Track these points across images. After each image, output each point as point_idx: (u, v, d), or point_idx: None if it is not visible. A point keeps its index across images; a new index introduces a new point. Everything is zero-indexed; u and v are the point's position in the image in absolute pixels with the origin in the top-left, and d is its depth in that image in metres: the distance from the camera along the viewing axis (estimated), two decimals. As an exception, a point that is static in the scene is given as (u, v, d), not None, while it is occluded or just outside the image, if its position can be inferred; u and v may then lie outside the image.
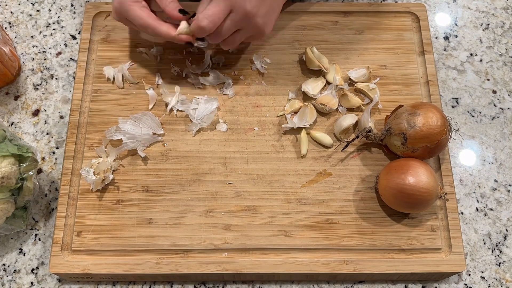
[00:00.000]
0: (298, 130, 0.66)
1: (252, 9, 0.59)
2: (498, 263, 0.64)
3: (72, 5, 0.79)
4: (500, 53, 0.76)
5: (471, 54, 0.76)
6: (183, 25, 0.61)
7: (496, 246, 0.65)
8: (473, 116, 0.72)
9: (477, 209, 0.67)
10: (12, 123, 0.71)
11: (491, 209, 0.67)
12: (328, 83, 0.69)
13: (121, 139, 0.64)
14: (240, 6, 0.58)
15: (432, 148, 0.60)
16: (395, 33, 0.73)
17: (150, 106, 0.68)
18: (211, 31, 0.59)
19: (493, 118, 0.72)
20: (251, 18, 0.60)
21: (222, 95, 0.69)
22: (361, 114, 0.67)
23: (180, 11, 0.60)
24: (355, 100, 0.67)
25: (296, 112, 0.67)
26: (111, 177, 0.63)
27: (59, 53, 0.76)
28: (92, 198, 0.63)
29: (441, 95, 0.73)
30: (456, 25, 0.79)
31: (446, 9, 0.80)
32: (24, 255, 0.64)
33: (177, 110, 0.68)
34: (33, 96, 0.73)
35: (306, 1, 0.76)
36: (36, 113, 0.72)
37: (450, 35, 0.78)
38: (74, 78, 0.74)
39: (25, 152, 0.60)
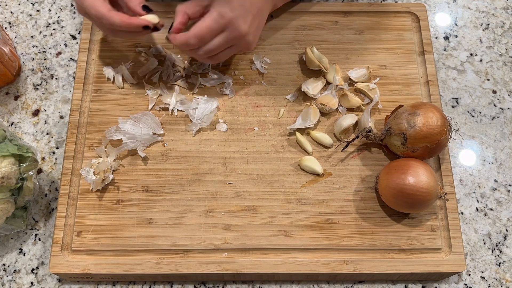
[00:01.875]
0: (300, 130, 0.66)
1: (245, 29, 0.61)
2: (498, 263, 0.64)
3: (72, 5, 0.79)
4: (500, 53, 0.76)
5: (471, 54, 0.76)
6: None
7: (496, 246, 0.65)
8: (473, 116, 0.72)
9: (477, 209, 0.67)
10: (12, 123, 0.71)
11: (491, 209, 0.67)
12: (328, 83, 0.69)
13: (121, 139, 0.64)
14: (235, 27, 0.60)
15: (432, 148, 0.60)
16: (395, 33, 0.73)
17: (150, 106, 0.68)
18: (194, 48, 0.60)
19: (493, 118, 0.72)
20: (244, 37, 0.61)
21: (222, 95, 0.69)
22: (361, 114, 0.67)
23: (144, 7, 0.59)
24: (355, 100, 0.67)
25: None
26: (111, 177, 0.63)
27: (59, 53, 0.76)
28: (92, 198, 0.63)
29: (441, 95, 0.73)
30: (456, 25, 0.79)
31: (446, 9, 0.80)
32: (24, 255, 0.64)
33: (177, 110, 0.68)
34: (33, 96, 0.73)
35: (306, 1, 0.76)
36: (36, 113, 0.72)
37: (450, 35, 0.78)
38: (74, 78, 0.74)
39: (25, 152, 0.60)
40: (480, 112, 0.72)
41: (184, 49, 0.61)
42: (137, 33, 0.61)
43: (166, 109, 0.68)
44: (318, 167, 0.64)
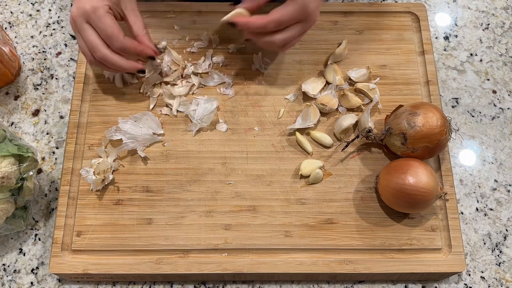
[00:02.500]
0: (300, 130, 0.66)
1: (317, 19, 0.62)
2: (498, 263, 0.64)
3: (72, 5, 0.79)
4: (500, 53, 0.76)
5: (471, 54, 0.76)
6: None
7: (496, 246, 0.65)
8: (473, 116, 0.72)
9: (477, 209, 0.67)
10: (12, 123, 0.71)
11: (491, 209, 0.67)
12: (328, 83, 0.69)
13: (121, 139, 0.64)
14: (312, 19, 0.60)
15: (432, 148, 0.60)
16: (395, 33, 0.73)
17: (151, 106, 0.68)
18: (269, 32, 0.60)
19: (493, 118, 0.72)
20: (312, 26, 0.62)
21: (222, 95, 0.69)
22: (361, 114, 0.67)
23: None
24: (355, 100, 0.67)
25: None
26: (111, 177, 0.63)
27: (59, 53, 0.76)
28: (92, 198, 0.63)
29: (441, 95, 0.73)
30: (456, 25, 0.79)
31: (446, 9, 0.80)
32: (24, 255, 0.64)
33: (177, 110, 0.68)
34: (33, 96, 0.73)
35: (306, 1, 0.76)
36: (36, 113, 0.72)
37: (450, 35, 0.78)
38: (74, 78, 0.74)
39: (25, 152, 0.60)
40: (480, 112, 0.72)
41: (258, 31, 0.60)
42: (135, 64, 0.62)
43: (169, 106, 0.68)
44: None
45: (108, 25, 0.59)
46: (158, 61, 0.66)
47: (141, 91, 0.68)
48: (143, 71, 0.63)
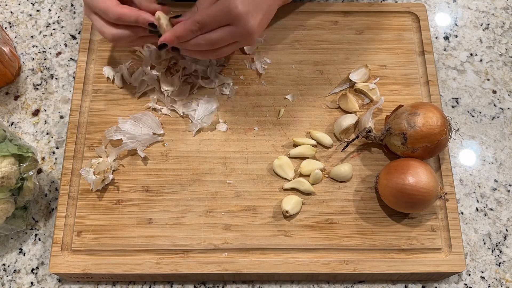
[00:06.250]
0: (299, 130, 0.66)
1: (254, 26, 0.57)
2: (498, 263, 0.64)
3: (72, 5, 0.79)
4: (500, 53, 0.76)
5: (471, 54, 0.76)
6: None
7: (496, 246, 0.65)
8: (473, 116, 0.72)
9: (477, 209, 0.67)
10: (12, 123, 0.71)
11: (491, 209, 0.67)
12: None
13: (121, 139, 0.64)
14: (243, 23, 0.56)
15: (432, 148, 0.60)
16: (395, 33, 0.73)
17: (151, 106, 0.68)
18: (193, 36, 0.57)
19: (493, 118, 0.72)
20: (250, 34, 0.57)
21: (222, 95, 0.69)
22: (361, 114, 0.67)
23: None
24: (353, 105, 0.66)
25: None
26: (111, 177, 0.63)
27: (59, 53, 0.76)
28: (92, 198, 0.63)
29: (441, 95, 0.73)
30: (456, 25, 0.79)
31: (446, 9, 0.80)
32: (24, 255, 0.64)
33: (183, 112, 0.68)
34: (33, 96, 0.73)
35: (306, 1, 0.76)
36: (36, 113, 0.72)
37: (450, 35, 0.78)
38: (74, 78, 0.74)
39: (25, 152, 0.60)
40: (480, 112, 0.72)
41: (183, 39, 0.57)
42: (140, 36, 0.59)
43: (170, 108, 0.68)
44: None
45: (101, 1, 0.56)
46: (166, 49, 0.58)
47: (136, 92, 0.69)
48: (153, 25, 0.57)
